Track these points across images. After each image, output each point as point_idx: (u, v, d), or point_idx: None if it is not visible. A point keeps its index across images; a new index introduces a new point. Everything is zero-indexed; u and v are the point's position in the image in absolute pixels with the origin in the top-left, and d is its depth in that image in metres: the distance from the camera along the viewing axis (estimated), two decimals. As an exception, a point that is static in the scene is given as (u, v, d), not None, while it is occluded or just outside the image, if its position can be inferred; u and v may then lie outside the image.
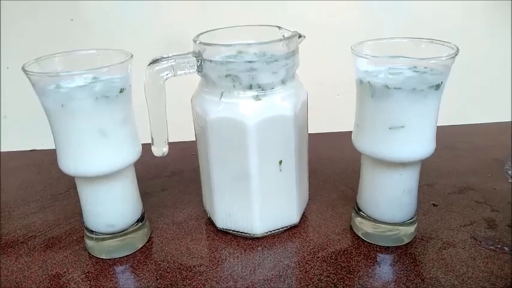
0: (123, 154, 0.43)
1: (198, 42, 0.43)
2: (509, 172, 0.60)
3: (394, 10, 0.73)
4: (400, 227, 0.47)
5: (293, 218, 0.50)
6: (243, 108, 0.43)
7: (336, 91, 0.78)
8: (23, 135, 0.76)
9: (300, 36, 0.46)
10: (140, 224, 0.48)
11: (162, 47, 0.72)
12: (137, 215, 0.48)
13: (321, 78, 0.72)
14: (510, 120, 0.76)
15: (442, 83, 0.40)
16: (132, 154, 0.44)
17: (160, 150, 0.47)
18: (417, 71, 0.40)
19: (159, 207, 0.56)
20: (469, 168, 0.63)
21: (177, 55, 0.43)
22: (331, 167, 0.65)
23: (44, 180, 0.64)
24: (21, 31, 0.70)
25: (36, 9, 0.70)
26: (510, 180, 0.58)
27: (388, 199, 0.46)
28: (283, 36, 0.47)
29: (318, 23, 0.72)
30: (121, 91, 0.41)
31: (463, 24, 0.75)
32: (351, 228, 0.50)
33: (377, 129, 0.42)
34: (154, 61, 0.43)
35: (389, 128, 0.41)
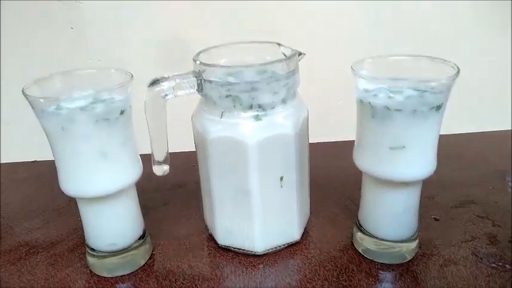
0: (124, 175, 0.43)
1: (198, 62, 0.43)
2: (511, 184, 0.60)
3: (394, 16, 0.73)
4: (402, 244, 0.47)
5: (294, 234, 0.50)
6: (244, 128, 0.43)
7: (336, 96, 0.77)
8: (24, 145, 0.76)
9: (299, 54, 0.46)
10: (142, 240, 0.49)
11: (162, 50, 0.72)
12: (139, 233, 0.48)
13: (322, 82, 0.71)
14: (510, 128, 0.76)
15: (442, 104, 0.40)
16: (133, 174, 0.44)
17: (161, 169, 0.47)
18: (418, 90, 0.40)
19: (161, 222, 0.56)
20: (470, 180, 0.62)
21: (178, 75, 0.43)
22: (332, 178, 0.65)
23: (46, 193, 0.64)
24: (21, 39, 0.71)
25: (35, 17, 0.70)
26: (512, 193, 0.58)
27: (390, 217, 0.46)
28: (283, 53, 0.47)
29: (319, 24, 0.72)
30: (121, 113, 0.41)
31: (462, 29, 0.74)
32: (352, 244, 0.50)
33: (378, 149, 0.42)
34: (155, 82, 0.43)
35: (390, 148, 0.41)
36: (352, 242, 0.50)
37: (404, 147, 0.41)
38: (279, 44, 0.48)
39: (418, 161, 0.42)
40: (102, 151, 0.41)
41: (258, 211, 0.46)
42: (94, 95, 0.39)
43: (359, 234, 0.49)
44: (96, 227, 0.45)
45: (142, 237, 0.49)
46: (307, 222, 0.53)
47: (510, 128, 0.76)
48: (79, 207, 0.45)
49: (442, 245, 0.49)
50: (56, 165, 0.42)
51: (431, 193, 0.59)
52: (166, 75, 0.43)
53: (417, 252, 0.48)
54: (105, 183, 0.42)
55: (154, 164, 0.47)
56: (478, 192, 0.59)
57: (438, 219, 0.54)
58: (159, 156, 0.47)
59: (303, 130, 0.47)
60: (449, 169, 0.65)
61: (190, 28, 0.71)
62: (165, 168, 0.48)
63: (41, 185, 0.67)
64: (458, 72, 0.40)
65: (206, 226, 0.53)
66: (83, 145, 0.40)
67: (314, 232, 0.52)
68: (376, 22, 0.73)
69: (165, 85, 0.43)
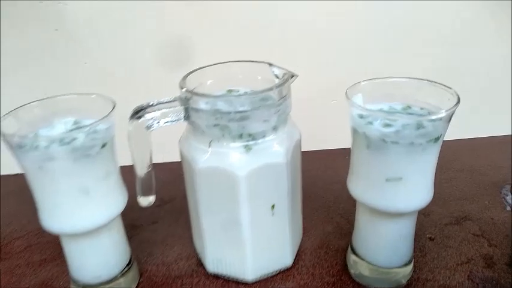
0: (107, 208, 0.41)
1: (184, 89, 0.41)
2: (507, 198, 0.59)
3: (395, 16, 0.70)
4: (397, 270, 0.45)
5: (286, 260, 0.48)
6: (233, 158, 0.41)
7: (330, 96, 0.75)
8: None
9: (292, 77, 0.43)
10: (127, 268, 0.47)
11: (159, 51, 0.69)
12: (124, 263, 0.46)
13: (315, 81, 0.69)
14: (510, 133, 0.75)
15: (441, 135, 0.38)
16: (117, 207, 0.42)
17: (146, 200, 0.45)
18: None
19: (149, 244, 0.54)
20: (466, 194, 0.61)
21: (163, 103, 0.41)
22: (325, 191, 0.63)
23: (27, 211, 0.61)
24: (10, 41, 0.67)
25: (21, 19, 0.66)
26: (508, 208, 0.57)
27: (385, 245, 0.44)
28: (275, 74, 0.45)
29: (320, 24, 0.69)
30: (103, 146, 0.39)
31: (460, 32, 0.72)
32: (346, 268, 0.48)
33: (373, 180, 0.40)
34: (137, 111, 0.40)
35: (387, 180, 0.40)
36: (345, 265, 0.49)
37: (401, 178, 0.39)
38: (270, 64, 0.45)
39: (415, 193, 0.40)
40: (82, 187, 0.38)
41: (249, 241, 0.44)
42: (73, 130, 0.37)
43: (353, 258, 0.47)
44: (79, 261, 0.43)
45: (128, 264, 0.47)
46: (300, 243, 0.52)
47: (508, 133, 0.75)
48: (61, 241, 0.43)
49: (437, 268, 0.48)
50: (36, 203, 0.40)
51: (427, 210, 0.57)
52: (150, 103, 0.41)
53: (412, 276, 0.47)
54: (88, 219, 0.40)
55: (139, 195, 0.45)
56: (473, 208, 0.58)
57: (433, 239, 0.52)
58: (143, 186, 0.45)
59: (295, 155, 0.45)
60: (444, 181, 0.64)
61: (188, 29, 0.68)
62: (151, 199, 0.46)
63: (22, 201, 0.64)
64: (458, 102, 0.38)
65: (195, 249, 0.52)
66: (62, 183, 0.37)
67: (307, 255, 0.51)
68: (377, 22, 0.71)
69: (149, 115, 0.40)
